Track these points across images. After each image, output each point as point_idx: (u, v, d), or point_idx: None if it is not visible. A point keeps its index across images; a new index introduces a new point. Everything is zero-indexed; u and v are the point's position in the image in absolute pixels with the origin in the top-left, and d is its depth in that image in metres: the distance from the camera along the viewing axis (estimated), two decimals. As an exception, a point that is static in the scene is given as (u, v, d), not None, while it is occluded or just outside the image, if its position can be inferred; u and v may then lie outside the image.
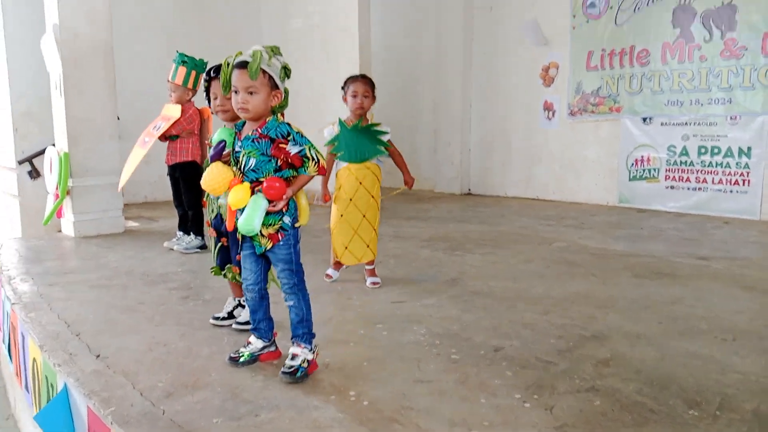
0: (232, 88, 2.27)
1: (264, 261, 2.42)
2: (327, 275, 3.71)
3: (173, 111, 4.66)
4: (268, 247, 2.34)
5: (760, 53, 5.67)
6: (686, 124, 6.23)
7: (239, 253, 2.76)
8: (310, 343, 2.38)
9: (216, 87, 2.76)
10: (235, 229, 2.72)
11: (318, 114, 7.16)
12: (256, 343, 2.51)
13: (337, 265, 3.71)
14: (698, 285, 3.65)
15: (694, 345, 2.66)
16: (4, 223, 7.29)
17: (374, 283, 3.64)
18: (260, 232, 2.29)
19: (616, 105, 6.74)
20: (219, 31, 8.02)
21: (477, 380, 2.31)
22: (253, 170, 2.27)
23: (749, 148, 5.82)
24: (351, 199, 3.50)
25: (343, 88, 3.55)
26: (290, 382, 2.27)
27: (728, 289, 3.57)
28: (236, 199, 2.23)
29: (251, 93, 2.23)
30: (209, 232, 2.94)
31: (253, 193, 2.24)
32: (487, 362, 2.48)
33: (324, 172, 2.35)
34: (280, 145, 2.25)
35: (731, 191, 5.96)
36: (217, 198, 2.72)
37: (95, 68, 5.35)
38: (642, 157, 6.59)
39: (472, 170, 8.29)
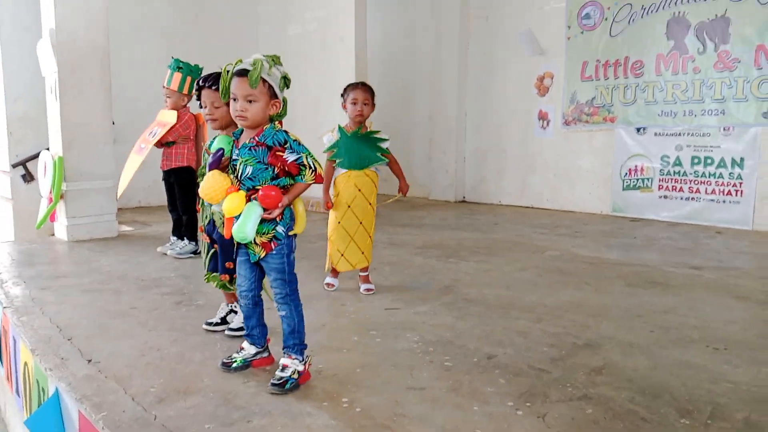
0: (231, 96, 2.26)
1: (258, 268, 2.41)
2: (328, 284, 3.68)
3: (169, 117, 4.66)
4: (261, 256, 2.33)
5: (752, 66, 5.72)
6: (680, 134, 6.28)
7: (229, 261, 2.77)
8: (302, 354, 2.36)
9: (206, 96, 2.76)
10: (226, 237, 2.72)
11: (314, 121, 7.19)
12: (249, 348, 2.50)
13: (335, 272, 3.69)
14: (691, 294, 3.66)
15: (687, 354, 2.67)
16: (-4, 226, 7.26)
17: (368, 290, 3.64)
18: (254, 240, 2.28)
19: (611, 115, 6.78)
20: (216, 36, 8.05)
21: (470, 388, 2.31)
22: (249, 178, 2.26)
23: (742, 159, 5.86)
24: (349, 206, 3.51)
25: (342, 95, 3.56)
26: (279, 394, 2.25)
27: (721, 298, 3.58)
28: (231, 207, 2.23)
29: (250, 101, 2.23)
30: (202, 238, 2.93)
31: (250, 200, 2.23)
32: (480, 370, 2.48)
33: (321, 180, 2.34)
34: (277, 153, 2.25)
35: (724, 201, 6.00)
36: (211, 204, 2.72)
37: (91, 72, 5.35)
38: (636, 166, 6.62)
39: (467, 178, 8.31)
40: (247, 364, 2.48)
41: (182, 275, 4.14)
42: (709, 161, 6.09)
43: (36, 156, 6.14)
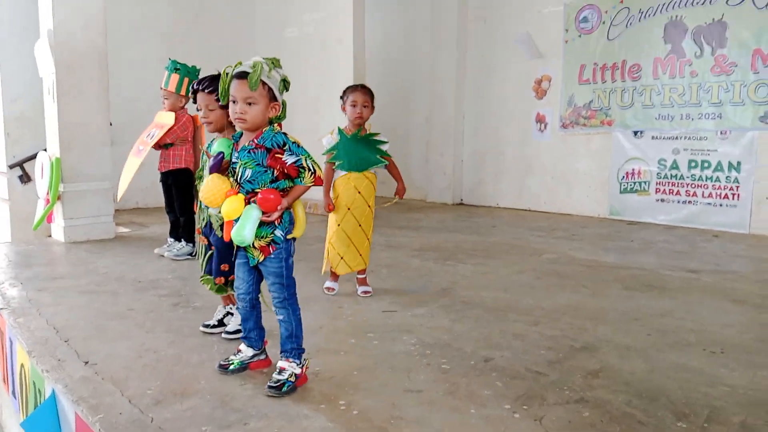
0: (231, 98, 2.26)
1: (257, 271, 2.40)
2: (328, 288, 3.65)
3: (166, 118, 4.65)
4: (260, 260, 2.32)
5: (749, 70, 5.74)
6: (677, 138, 6.29)
7: (224, 264, 2.76)
8: (299, 358, 2.35)
9: (201, 99, 2.76)
10: (221, 240, 2.72)
11: (312, 123, 7.19)
12: (246, 351, 2.50)
13: (335, 276, 3.67)
14: (688, 298, 3.67)
15: (683, 357, 2.67)
16: (-7, 227, 7.24)
17: (365, 292, 3.65)
18: (252, 244, 2.28)
19: (608, 118, 6.79)
20: (214, 38, 8.04)
21: (467, 390, 2.31)
22: (249, 181, 2.26)
23: (739, 163, 5.88)
24: (349, 208, 3.50)
25: (342, 97, 3.55)
26: (276, 396, 2.24)
27: (717, 302, 3.59)
28: (230, 210, 2.22)
29: (250, 104, 2.22)
30: (199, 240, 2.93)
31: (249, 204, 2.23)
32: (477, 373, 2.48)
33: (321, 182, 2.33)
34: (276, 155, 2.24)
35: (721, 205, 6.01)
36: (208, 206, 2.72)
37: (89, 74, 5.35)
38: (633, 170, 6.64)
39: (465, 180, 8.32)
40: (244, 367, 2.48)
41: (179, 277, 4.13)
42: (706, 165, 6.11)
43: (33, 157, 6.14)
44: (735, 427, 2.04)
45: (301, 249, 2.42)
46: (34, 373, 2.62)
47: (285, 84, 2.30)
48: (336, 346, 2.83)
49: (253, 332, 2.49)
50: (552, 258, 4.78)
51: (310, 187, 2.30)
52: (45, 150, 5.54)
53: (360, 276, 3.70)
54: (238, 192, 2.25)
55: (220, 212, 2.59)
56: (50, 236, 5.59)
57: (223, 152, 2.31)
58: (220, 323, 2.97)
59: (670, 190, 6.37)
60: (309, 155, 2.28)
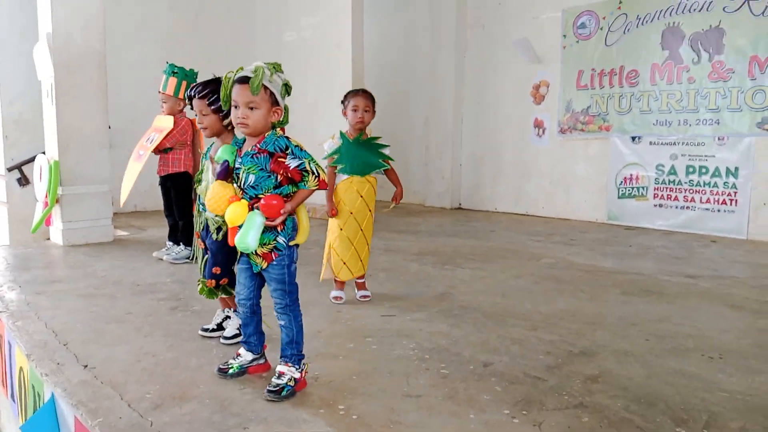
0: (232, 103, 2.26)
1: (258, 277, 2.40)
2: (336, 297, 3.58)
3: (165, 122, 4.66)
4: (263, 267, 2.32)
5: (746, 76, 5.77)
6: (674, 143, 6.32)
7: (217, 267, 2.76)
8: (299, 363, 2.35)
9: (195, 104, 2.76)
10: (215, 243, 2.72)
11: (310, 128, 7.19)
12: (245, 355, 2.50)
13: (341, 284, 3.63)
14: (686, 303, 3.68)
15: (681, 363, 2.68)
16: (-9, 230, 7.23)
17: (364, 297, 3.64)
18: (255, 251, 2.27)
19: (606, 124, 6.82)
20: (213, 42, 8.07)
21: (466, 395, 2.32)
22: (252, 186, 2.25)
23: (736, 169, 5.90)
24: (351, 213, 3.49)
25: (342, 102, 3.55)
26: (275, 401, 2.24)
27: (715, 307, 3.60)
28: (233, 216, 2.21)
29: (251, 108, 2.22)
30: (198, 243, 2.92)
31: (252, 209, 2.23)
32: (476, 377, 2.49)
33: (325, 186, 2.32)
34: (279, 159, 2.23)
35: (719, 210, 6.03)
36: (205, 209, 2.72)
37: (87, 76, 5.35)
38: (631, 175, 6.66)
39: (463, 185, 8.34)
40: (243, 371, 2.48)
41: (178, 280, 4.13)
42: (704, 170, 6.13)
43: (32, 160, 6.14)
44: (733, 433, 2.05)
45: (299, 253, 2.42)
46: (33, 376, 2.61)
47: (287, 88, 2.30)
48: (335, 350, 2.83)
49: (253, 337, 2.49)
50: (550, 263, 4.79)
51: (314, 190, 2.29)
52: (43, 153, 5.54)
53: (359, 280, 3.69)
54: (242, 198, 2.25)
55: (217, 216, 2.60)
56: (49, 239, 5.59)
57: (227, 160, 2.31)
58: (219, 327, 2.96)
59: (668, 195, 6.39)
60: (312, 158, 2.27)
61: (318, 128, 6.92)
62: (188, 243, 4.72)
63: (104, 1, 5.46)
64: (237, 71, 2.25)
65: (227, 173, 2.30)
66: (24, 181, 6.74)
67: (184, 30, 7.97)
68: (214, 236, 2.74)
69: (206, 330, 2.97)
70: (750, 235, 5.83)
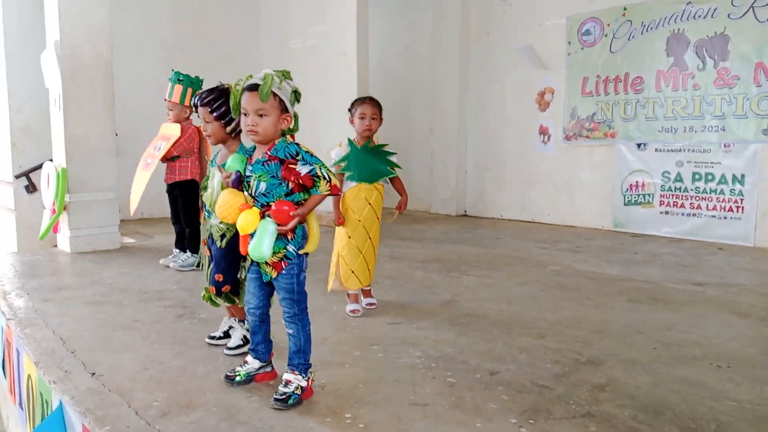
0: (242, 111, 2.27)
1: (268, 286, 2.40)
2: (353, 311, 3.51)
3: (172, 130, 4.68)
4: (273, 276, 2.32)
5: (752, 83, 5.76)
6: (680, 150, 6.31)
7: (219, 274, 2.75)
8: (305, 372, 2.35)
9: (200, 112, 2.77)
10: (219, 250, 2.72)
11: (315, 135, 7.20)
12: (252, 363, 2.50)
13: (354, 297, 3.59)
14: (692, 311, 3.67)
15: (689, 371, 2.67)
16: (-1, 237, 7.27)
17: (370, 304, 3.64)
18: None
19: (611, 130, 6.81)
20: (218, 50, 8.11)
21: (472, 404, 2.31)
22: (263, 194, 2.26)
23: (743, 176, 5.89)
24: (360, 220, 3.47)
25: (350, 110, 3.55)
26: (282, 409, 2.24)
27: (722, 315, 3.59)
28: (245, 224, 2.21)
29: (261, 115, 2.23)
30: (204, 251, 2.93)
31: (263, 217, 2.23)
32: (483, 386, 2.49)
33: (337, 191, 2.31)
34: (290, 166, 2.23)
35: (725, 218, 6.02)
36: (211, 216, 2.73)
37: (94, 84, 5.39)
38: (636, 182, 6.65)
39: (468, 192, 8.34)
40: (250, 379, 2.48)
41: (184, 288, 4.14)
42: (710, 177, 6.11)
43: (39, 167, 6.17)
44: (741, 442, 2.04)
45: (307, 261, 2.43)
46: (41, 384, 2.62)
47: (296, 95, 2.31)
48: (341, 358, 2.83)
49: (261, 345, 2.49)
50: (556, 270, 4.78)
51: (326, 196, 2.28)
52: (51, 160, 5.57)
53: (365, 288, 3.69)
54: (253, 205, 2.26)
55: (221, 222, 2.60)
56: (56, 246, 5.61)
57: (239, 171, 2.32)
58: (226, 335, 2.97)
59: (674, 202, 6.38)
60: (323, 164, 2.27)
61: (322, 136, 6.94)
62: (195, 250, 4.73)
63: (110, 9, 5.50)
64: (246, 79, 2.26)
65: (239, 183, 2.31)
66: (31, 188, 6.77)
67: (189, 37, 8.01)
68: (218, 243, 2.75)
69: (213, 338, 2.98)
70: (757, 243, 5.81)
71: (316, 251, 2.42)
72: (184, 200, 4.76)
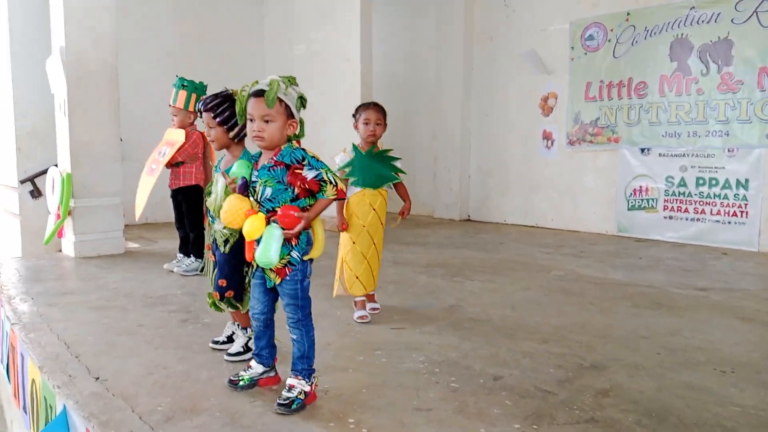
0: (248, 116, 2.28)
1: (272, 292, 2.40)
2: (362, 317, 3.49)
3: (177, 135, 4.70)
4: (277, 282, 2.32)
5: (756, 87, 5.76)
6: (684, 155, 6.30)
7: (222, 279, 2.76)
8: (309, 377, 2.35)
9: (204, 118, 2.78)
10: (223, 255, 2.72)
11: (318, 140, 7.21)
12: (256, 367, 2.51)
13: (362, 304, 3.58)
14: (696, 316, 3.66)
15: (693, 376, 2.67)
16: (4, 242, 7.30)
17: (374, 309, 3.64)
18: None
19: (615, 135, 6.81)
20: (222, 55, 8.14)
21: (476, 409, 2.31)
22: (269, 199, 2.26)
23: (747, 180, 5.88)
24: (364, 226, 3.46)
25: (354, 115, 3.55)
26: (285, 414, 2.24)
27: (726, 320, 3.58)
28: (251, 230, 2.21)
29: (267, 121, 2.24)
30: (209, 256, 2.94)
31: (269, 223, 2.23)
32: (487, 391, 2.48)
33: (343, 195, 2.31)
34: (296, 171, 2.23)
35: (729, 222, 6.00)
36: (215, 221, 2.74)
37: (100, 90, 5.42)
38: (640, 187, 6.64)
39: (472, 197, 8.34)
40: (253, 383, 2.49)
41: (188, 293, 4.15)
42: (714, 182, 6.11)
43: (44, 172, 6.20)
44: (746, 448, 2.03)
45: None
46: (45, 388, 2.63)
47: (302, 101, 2.32)
48: (344, 363, 2.83)
49: (265, 350, 2.49)
50: (560, 275, 4.78)
51: (332, 200, 2.28)
52: (56, 165, 5.60)
53: (369, 293, 3.69)
54: (259, 211, 2.26)
55: (225, 227, 2.60)
56: (60, 251, 5.63)
57: (245, 177, 2.32)
58: (230, 339, 2.97)
59: (678, 207, 6.37)
60: (329, 169, 2.28)
61: (326, 141, 6.95)
62: (199, 255, 4.74)
63: (115, 15, 5.53)
64: (252, 85, 2.27)
65: (245, 189, 2.32)
66: (36, 193, 6.80)
67: (194, 43, 8.04)
68: (222, 249, 2.75)
69: (217, 342, 2.98)
70: (761, 247, 5.79)
71: (321, 256, 2.42)
72: (189, 205, 4.77)
